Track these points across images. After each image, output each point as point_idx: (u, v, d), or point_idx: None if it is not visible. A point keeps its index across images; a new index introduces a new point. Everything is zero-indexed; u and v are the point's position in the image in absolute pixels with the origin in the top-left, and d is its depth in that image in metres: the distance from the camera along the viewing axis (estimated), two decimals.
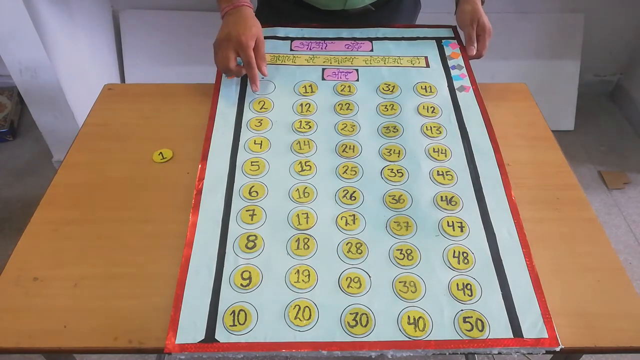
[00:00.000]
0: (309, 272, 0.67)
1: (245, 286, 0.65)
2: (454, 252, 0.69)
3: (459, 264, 0.68)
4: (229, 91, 0.93)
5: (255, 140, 0.84)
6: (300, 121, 0.87)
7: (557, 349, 0.60)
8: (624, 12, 1.96)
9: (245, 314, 0.62)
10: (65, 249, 0.71)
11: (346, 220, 0.73)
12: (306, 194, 0.76)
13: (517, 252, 0.69)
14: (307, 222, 0.72)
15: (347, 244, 0.70)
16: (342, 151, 0.82)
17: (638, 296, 0.66)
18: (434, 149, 0.83)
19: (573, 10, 1.94)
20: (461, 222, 0.72)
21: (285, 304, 0.64)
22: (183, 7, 1.87)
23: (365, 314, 0.63)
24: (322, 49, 1.01)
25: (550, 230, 0.74)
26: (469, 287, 0.65)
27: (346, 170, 0.79)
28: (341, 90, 0.93)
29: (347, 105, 0.90)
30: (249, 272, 0.67)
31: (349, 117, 0.88)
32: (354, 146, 0.83)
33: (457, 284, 0.66)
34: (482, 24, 0.96)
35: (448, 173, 0.79)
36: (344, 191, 0.76)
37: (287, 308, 0.63)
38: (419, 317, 0.62)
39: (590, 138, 2.03)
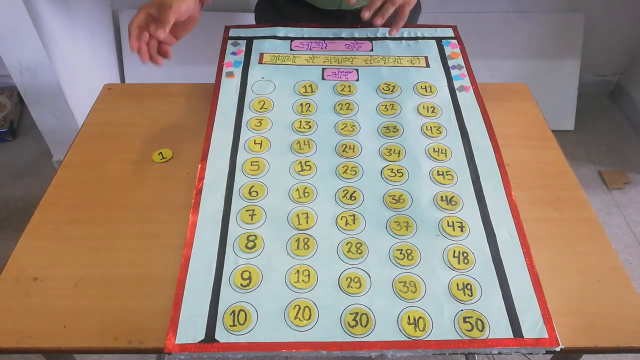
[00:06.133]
0: (309, 272, 0.67)
1: (245, 286, 0.65)
2: (454, 252, 0.69)
3: (459, 264, 0.68)
4: (229, 91, 0.93)
5: (255, 140, 0.84)
6: (300, 121, 0.87)
7: (557, 349, 0.60)
8: (624, 12, 1.96)
9: (245, 314, 0.62)
10: (65, 249, 0.71)
11: (346, 220, 0.73)
12: (306, 194, 0.76)
13: (517, 252, 0.69)
14: (307, 222, 0.72)
15: (347, 244, 0.70)
16: (342, 151, 0.82)
17: (638, 296, 0.66)
18: (434, 148, 0.83)
19: (573, 10, 1.94)
20: (461, 222, 0.72)
21: (285, 304, 0.64)
22: None
23: (365, 314, 0.63)
24: (322, 48, 1.01)
25: (550, 230, 0.74)
26: (469, 287, 0.65)
27: (346, 170, 0.79)
28: (341, 90, 0.93)
29: (347, 105, 0.90)
30: (249, 272, 0.67)
31: (349, 117, 0.88)
32: (354, 146, 0.83)
33: (457, 284, 0.66)
34: None
35: (448, 173, 0.79)
36: (344, 191, 0.76)
37: (287, 308, 0.63)
38: (419, 317, 0.62)
39: (590, 138, 2.03)
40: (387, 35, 1.03)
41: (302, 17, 1.06)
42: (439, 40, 1.03)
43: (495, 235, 0.71)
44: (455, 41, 1.03)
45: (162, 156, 0.84)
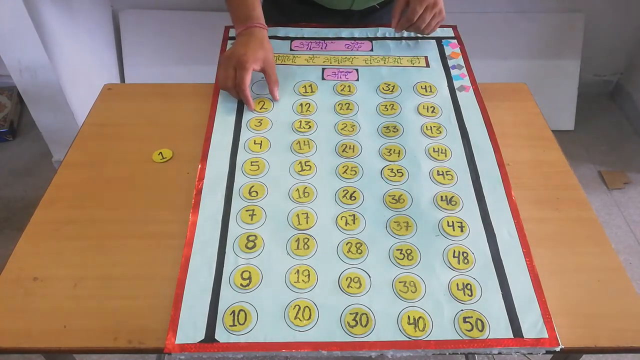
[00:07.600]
0: (309, 272, 0.67)
1: (245, 286, 0.65)
2: (454, 252, 0.69)
3: (459, 264, 0.68)
4: None
5: (255, 140, 0.84)
6: (300, 121, 0.87)
7: (557, 349, 0.60)
8: (624, 12, 1.96)
9: (245, 314, 0.62)
10: (65, 249, 0.71)
11: (346, 220, 0.73)
12: (306, 194, 0.76)
13: (517, 252, 0.69)
14: (307, 222, 0.72)
15: (347, 244, 0.70)
16: (342, 151, 0.82)
17: (638, 296, 0.66)
18: (434, 148, 0.83)
19: (573, 10, 1.94)
20: (461, 222, 0.72)
21: (285, 304, 0.64)
22: (183, 7, 1.87)
23: (365, 314, 0.63)
24: (321, 48, 1.01)
25: (550, 230, 0.74)
26: (469, 287, 0.65)
27: (346, 170, 0.79)
28: (341, 90, 0.93)
29: (347, 105, 0.90)
30: (249, 272, 0.67)
31: (349, 117, 0.88)
32: (354, 146, 0.83)
33: (457, 284, 0.66)
34: None
35: (448, 173, 0.79)
36: (344, 191, 0.76)
37: (287, 308, 0.63)
38: (419, 317, 0.62)
39: (590, 138, 2.03)
40: (389, 36, 1.03)
41: (308, 16, 1.06)
42: (439, 40, 1.03)
43: (495, 235, 0.71)
44: (455, 41, 1.03)
45: (162, 156, 0.84)
